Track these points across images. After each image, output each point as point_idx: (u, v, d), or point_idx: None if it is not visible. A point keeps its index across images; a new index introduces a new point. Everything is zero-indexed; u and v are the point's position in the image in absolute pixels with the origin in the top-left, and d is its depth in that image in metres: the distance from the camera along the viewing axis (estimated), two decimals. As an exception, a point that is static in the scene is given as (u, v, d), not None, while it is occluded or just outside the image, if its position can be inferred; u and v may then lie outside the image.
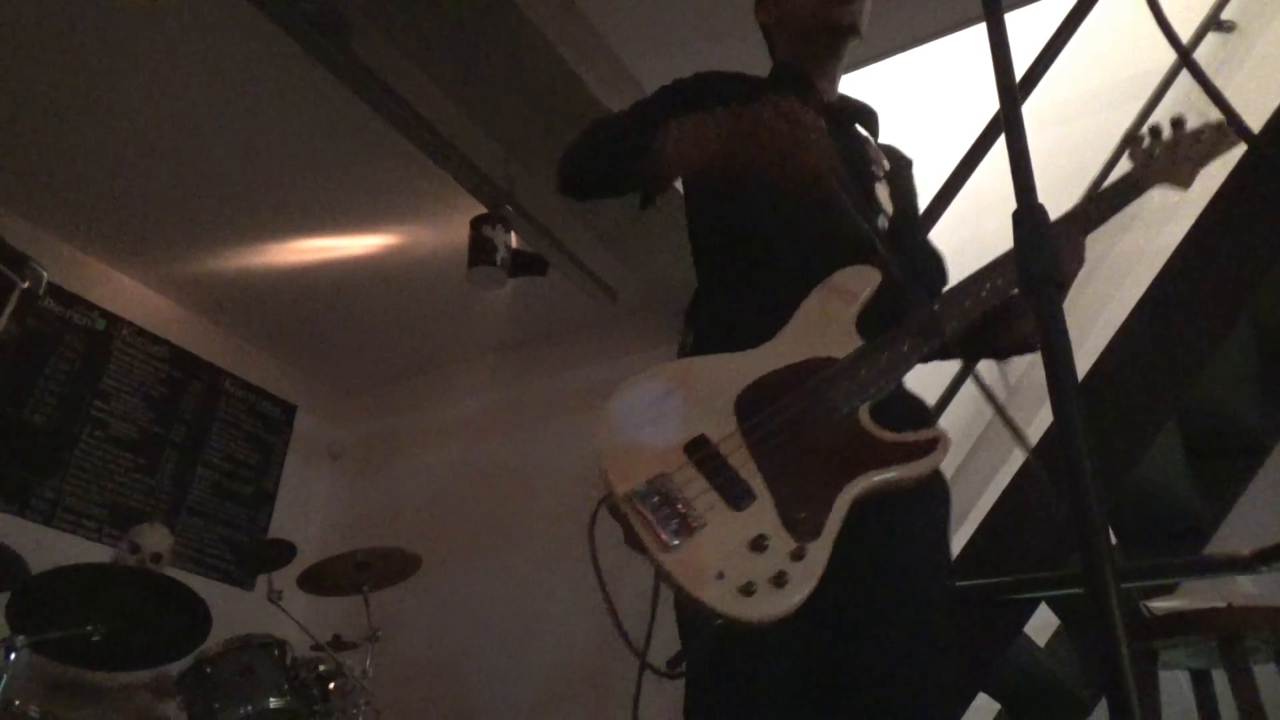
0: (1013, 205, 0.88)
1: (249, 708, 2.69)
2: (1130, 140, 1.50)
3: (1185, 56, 1.07)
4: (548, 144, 3.47)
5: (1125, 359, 2.24)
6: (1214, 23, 3.08)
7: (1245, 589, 2.11)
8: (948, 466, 3.20)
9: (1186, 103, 3.12)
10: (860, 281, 1.31)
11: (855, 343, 1.25)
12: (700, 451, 1.11)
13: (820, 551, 1.05)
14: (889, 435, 1.17)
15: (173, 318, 4.76)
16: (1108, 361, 2.25)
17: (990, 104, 1.05)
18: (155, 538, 3.49)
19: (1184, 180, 1.50)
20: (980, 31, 1.71)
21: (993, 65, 0.93)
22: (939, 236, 2.26)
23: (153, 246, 4.40)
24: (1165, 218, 2.89)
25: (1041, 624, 2.42)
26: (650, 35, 3.28)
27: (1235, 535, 2.47)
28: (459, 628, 4.35)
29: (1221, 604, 1.82)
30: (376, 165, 3.81)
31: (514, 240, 3.69)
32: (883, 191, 1.48)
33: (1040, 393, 0.83)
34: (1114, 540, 2.50)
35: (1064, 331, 0.81)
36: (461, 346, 5.09)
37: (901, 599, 1.25)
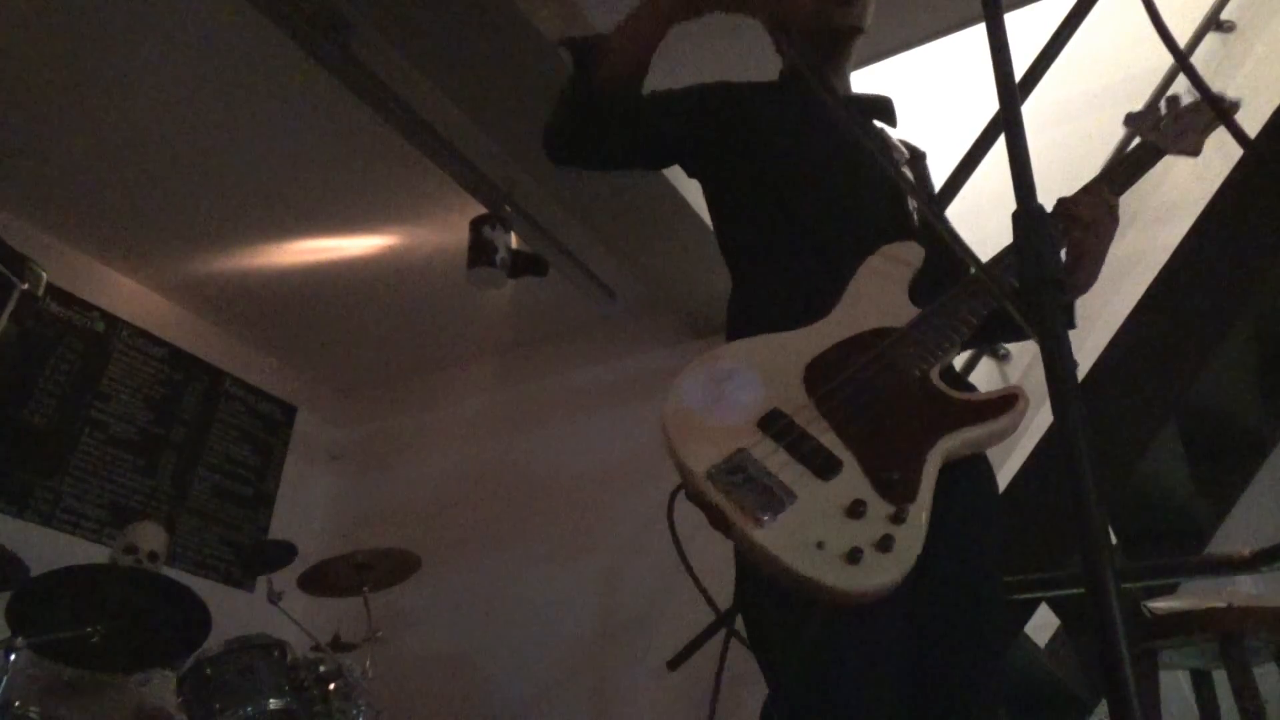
0: (1012, 205, 0.88)
1: (249, 708, 2.69)
2: (1132, 117, 1.51)
3: (1181, 60, 1.07)
4: (547, 144, 3.46)
5: (1125, 359, 2.24)
6: (1213, 23, 3.08)
7: (1245, 589, 2.11)
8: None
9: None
10: (909, 253, 1.32)
11: (912, 311, 1.24)
12: (776, 425, 1.07)
13: (920, 512, 1.01)
14: (964, 395, 1.16)
15: (172, 319, 4.76)
16: (1108, 361, 2.25)
17: (990, 104, 1.05)
18: (151, 536, 3.50)
19: (1193, 148, 1.52)
20: (980, 32, 1.71)
21: (992, 65, 0.93)
22: (939, 237, 2.27)
23: (152, 247, 4.40)
24: (1164, 218, 2.89)
25: (1042, 624, 2.41)
26: (650, 36, 3.28)
27: (1235, 535, 2.47)
28: (459, 628, 4.35)
29: (1222, 604, 1.82)
30: (376, 165, 3.81)
31: (514, 241, 3.69)
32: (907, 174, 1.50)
33: (1041, 393, 0.83)
34: (1114, 540, 2.49)
35: (1065, 332, 0.81)
36: (461, 347, 5.09)
37: (970, 573, 1.24)
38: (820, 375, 1.14)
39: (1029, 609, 2.20)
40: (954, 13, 3.31)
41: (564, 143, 1.45)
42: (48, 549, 3.68)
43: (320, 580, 3.34)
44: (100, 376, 4.36)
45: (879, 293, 1.27)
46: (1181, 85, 2.97)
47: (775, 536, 0.96)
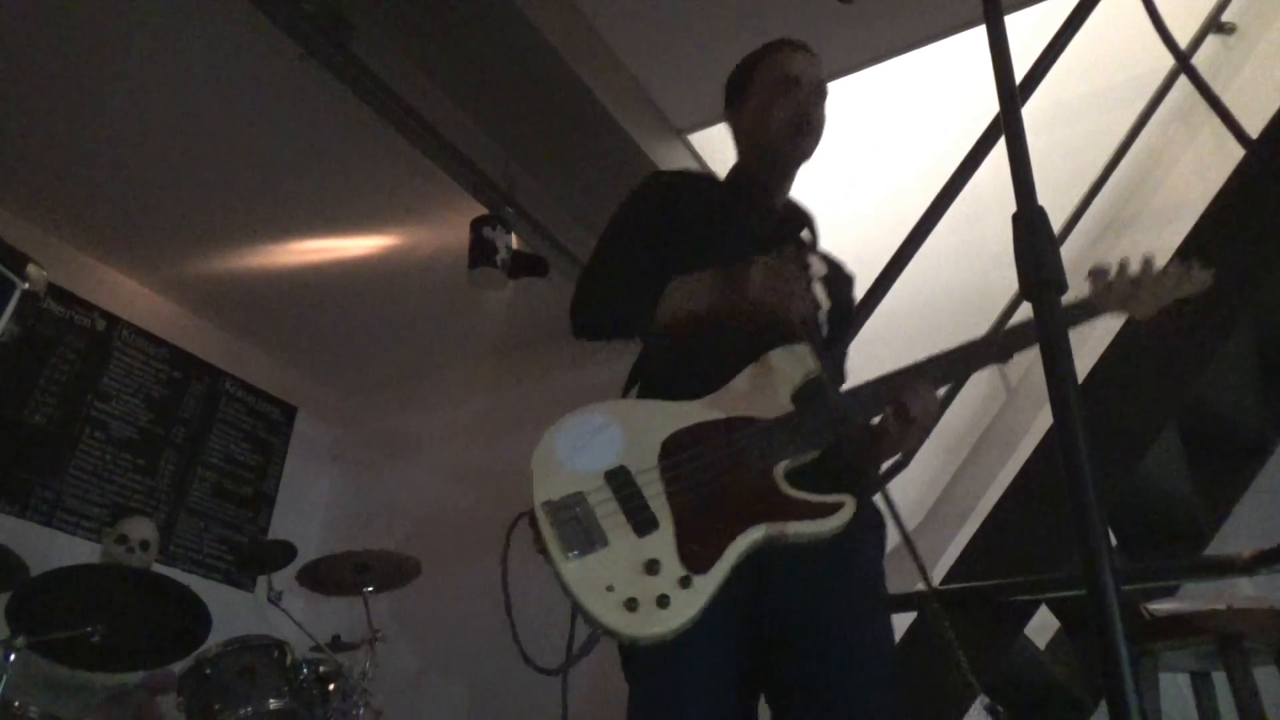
0: (1012, 207, 0.88)
1: (249, 709, 2.69)
2: (1094, 271, 1.50)
3: (1183, 62, 1.07)
4: (548, 144, 3.47)
5: (1125, 360, 2.24)
6: (1214, 25, 3.08)
7: (1245, 591, 2.12)
8: (949, 466, 3.18)
9: (1186, 105, 3.12)
10: (794, 363, 1.40)
11: (784, 409, 1.35)
12: (619, 479, 1.25)
13: (707, 584, 1.16)
14: (797, 493, 1.27)
15: (173, 319, 4.76)
16: (1108, 363, 2.25)
17: (991, 106, 1.05)
18: (141, 527, 3.51)
19: (1142, 311, 1.51)
20: (981, 34, 1.71)
21: (993, 67, 0.93)
22: (940, 238, 2.27)
23: (153, 247, 4.39)
24: (1165, 220, 2.89)
25: (1042, 625, 2.41)
26: (650, 36, 3.29)
27: (1235, 537, 2.47)
28: (458, 629, 4.35)
29: (1221, 606, 1.82)
30: (376, 165, 3.81)
31: (514, 241, 3.69)
32: (819, 290, 1.59)
33: (1041, 394, 0.83)
34: (1114, 542, 2.49)
35: (1065, 333, 0.81)
36: (462, 348, 5.09)
37: (842, 618, 1.32)
38: (677, 446, 1.29)
39: (1029, 610, 2.20)
40: (954, 14, 3.31)
41: (596, 339, 1.61)
42: (48, 549, 3.68)
43: (320, 580, 3.34)
44: (100, 376, 4.36)
45: (762, 385, 1.38)
46: (1183, 87, 2.96)
47: (575, 571, 1.18)
